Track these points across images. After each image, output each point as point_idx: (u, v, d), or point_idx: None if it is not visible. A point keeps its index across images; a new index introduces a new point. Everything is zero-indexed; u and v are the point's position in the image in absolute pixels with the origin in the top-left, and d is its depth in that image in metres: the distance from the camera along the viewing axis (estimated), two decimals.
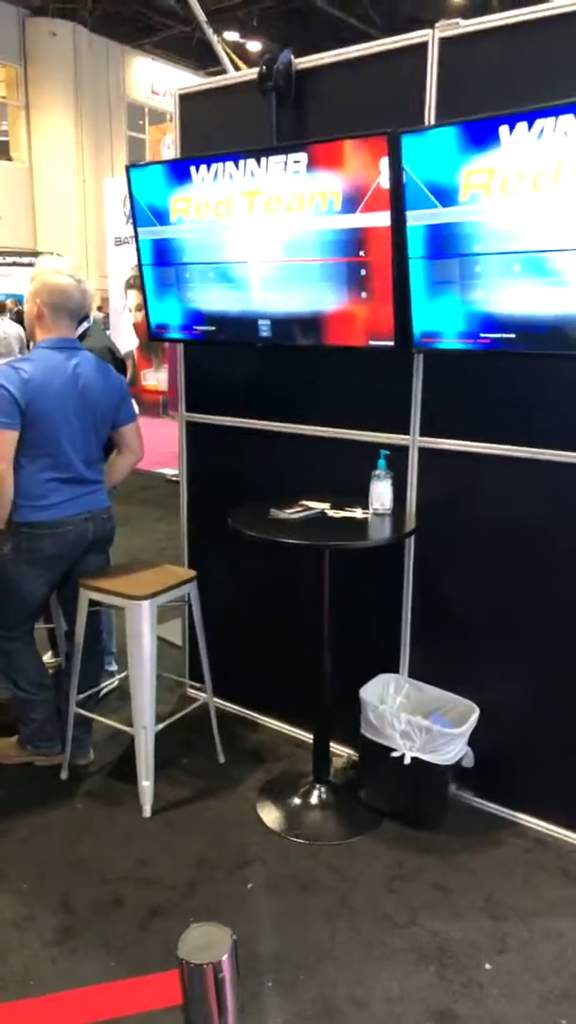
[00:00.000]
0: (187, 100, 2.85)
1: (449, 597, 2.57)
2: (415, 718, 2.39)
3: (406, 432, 2.53)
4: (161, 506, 6.20)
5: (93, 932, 2.07)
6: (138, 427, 2.75)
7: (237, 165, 2.46)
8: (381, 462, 2.48)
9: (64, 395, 2.46)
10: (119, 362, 3.11)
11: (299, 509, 2.51)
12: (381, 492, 2.48)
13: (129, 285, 8.04)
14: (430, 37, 2.25)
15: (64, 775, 2.71)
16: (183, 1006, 0.97)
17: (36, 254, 12.88)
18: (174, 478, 7.05)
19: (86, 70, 17.10)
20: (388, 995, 1.89)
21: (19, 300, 11.29)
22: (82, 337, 2.81)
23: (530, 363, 2.23)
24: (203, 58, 16.25)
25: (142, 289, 2.87)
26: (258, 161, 2.41)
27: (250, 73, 2.62)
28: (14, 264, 14.01)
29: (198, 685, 3.05)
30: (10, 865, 2.31)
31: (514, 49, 2.14)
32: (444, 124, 2.09)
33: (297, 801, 2.59)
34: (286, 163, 2.36)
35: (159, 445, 6.18)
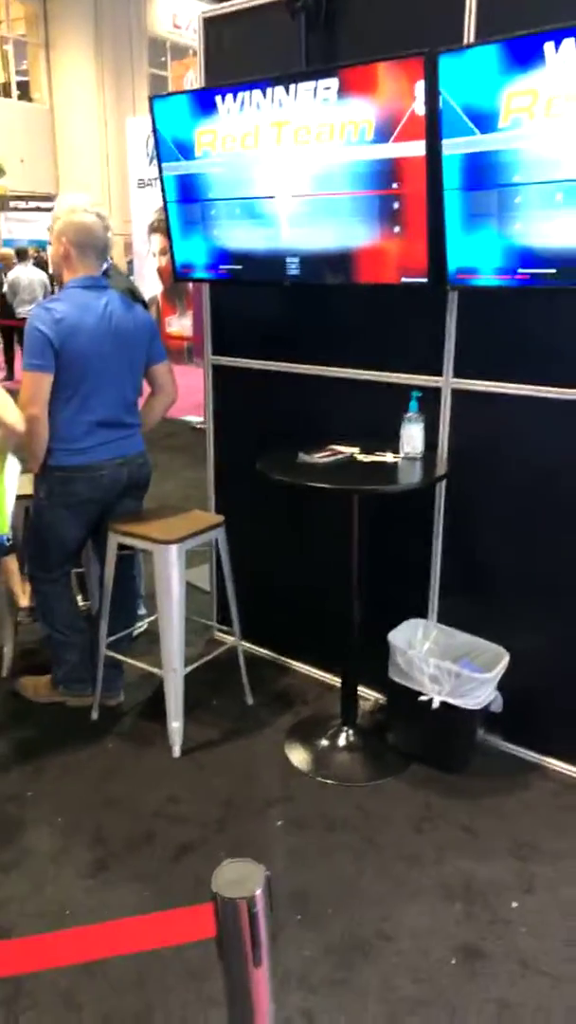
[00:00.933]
0: (212, 24, 2.73)
1: (479, 543, 2.53)
2: (444, 663, 2.38)
3: (439, 374, 2.47)
4: (187, 453, 6.18)
5: (126, 865, 2.12)
6: (171, 367, 2.72)
7: (264, 93, 2.36)
8: (413, 404, 2.42)
9: (98, 334, 2.42)
10: (141, 303, 3.06)
11: (328, 453, 2.47)
12: (412, 435, 2.43)
13: (153, 229, 7.89)
14: None
15: (95, 715, 2.76)
16: (216, 939, 0.98)
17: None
18: (199, 426, 7.02)
19: (106, 4, 16.56)
20: (416, 930, 1.92)
21: (41, 247, 11.15)
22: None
23: (570, 300, 2.15)
24: None
25: (167, 229, 2.80)
26: (286, 88, 2.31)
27: None
28: (36, 209, 13.81)
29: (226, 629, 3.07)
30: (44, 801, 2.36)
31: None
32: (484, 42, 1.98)
33: (325, 743, 2.61)
34: (316, 90, 2.26)
35: (185, 392, 6.11)
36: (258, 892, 0.96)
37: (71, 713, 2.77)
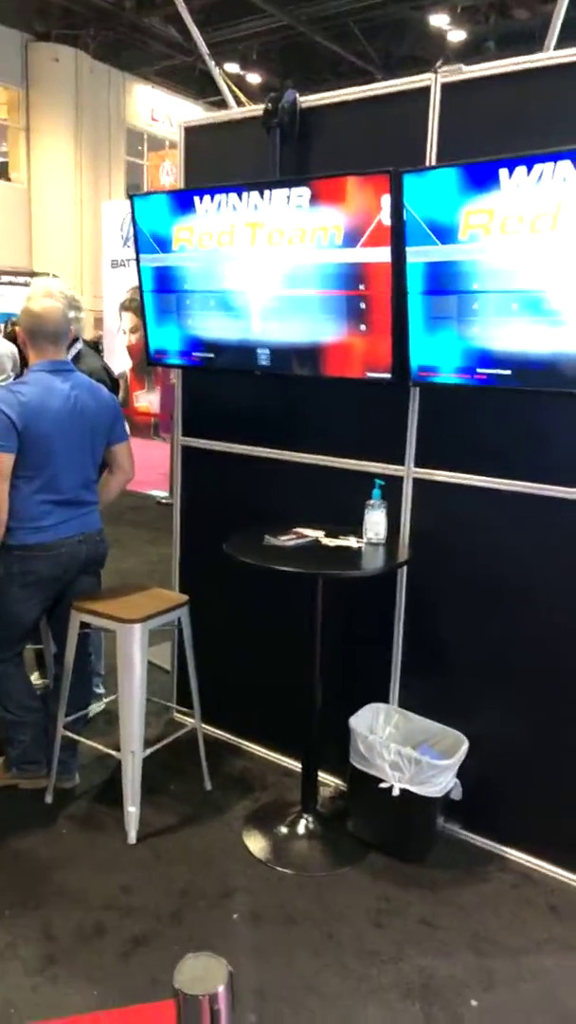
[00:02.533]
0: (192, 132, 2.90)
1: (440, 628, 2.58)
2: (405, 749, 2.39)
3: (401, 463, 2.56)
4: (152, 528, 6.20)
5: (76, 961, 2.04)
6: (130, 447, 2.77)
7: (240, 197, 2.50)
8: (376, 492, 2.50)
9: (60, 417, 2.47)
10: (114, 382, 3.14)
11: (293, 536, 2.52)
12: (375, 522, 2.50)
13: (124, 307, 8.09)
14: (432, 81, 2.31)
15: (49, 799, 2.68)
16: None
17: (32, 274, 12.95)
18: (165, 500, 7.06)
19: (87, 95, 17.33)
20: None
21: (13, 319, 11.32)
22: (76, 360, 2.83)
23: (525, 399, 2.27)
24: (203, 87, 16.53)
25: (142, 315, 2.90)
26: (261, 194, 2.46)
27: (254, 109, 2.67)
28: (10, 284, 14.06)
29: (186, 710, 3.04)
30: None
31: (514, 95, 2.20)
32: (445, 165, 2.15)
33: (284, 830, 2.57)
34: (289, 197, 2.41)
35: (150, 467, 6.19)
36: (221, 989, 0.95)
37: (25, 796, 2.70)
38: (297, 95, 2.56)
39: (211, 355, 2.74)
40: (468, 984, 2.01)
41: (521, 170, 2.00)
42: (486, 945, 2.14)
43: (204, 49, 4.56)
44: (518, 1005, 1.95)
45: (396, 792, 2.36)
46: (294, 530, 2.57)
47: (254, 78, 15.11)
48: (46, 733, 2.70)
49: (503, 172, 2.03)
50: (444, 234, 2.16)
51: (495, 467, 2.38)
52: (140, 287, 2.85)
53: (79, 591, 2.63)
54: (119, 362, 8.16)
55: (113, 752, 2.59)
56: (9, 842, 2.48)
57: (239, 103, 4.13)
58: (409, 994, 1.98)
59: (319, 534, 2.55)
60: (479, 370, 2.21)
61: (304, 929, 2.18)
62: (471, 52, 11.80)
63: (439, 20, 12.69)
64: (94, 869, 2.39)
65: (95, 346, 5.70)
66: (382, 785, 2.39)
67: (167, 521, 3.25)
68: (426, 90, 2.32)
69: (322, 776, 2.71)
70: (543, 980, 2.03)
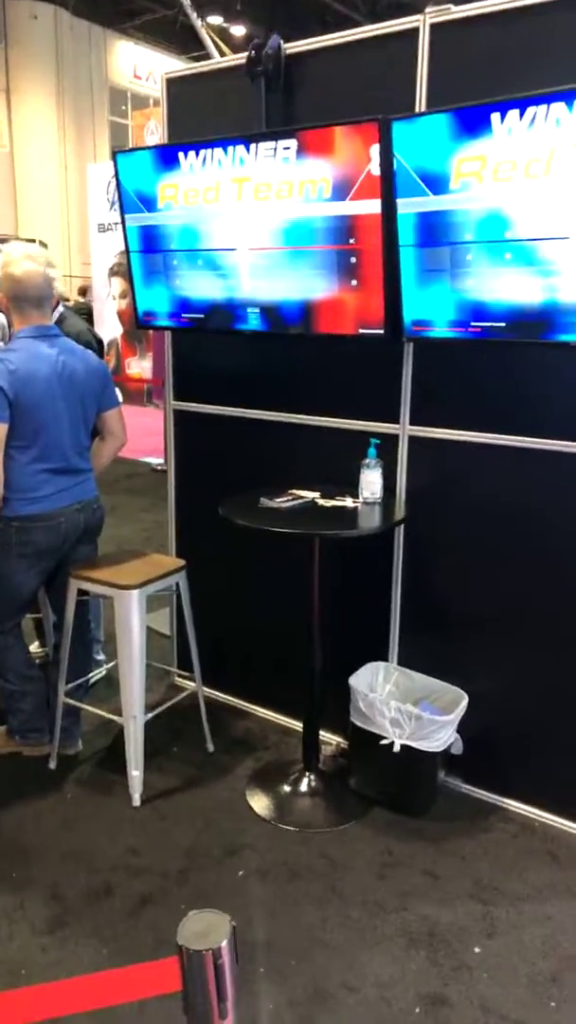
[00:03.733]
0: (174, 84, 2.82)
1: (438, 585, 2.58)
2: (405, 706, 2.40)
3: (396, 421, 2.53)
4: (146, 495, 6.18)
5: (84, 921, 2.07)
6: (121, 412, 2.74)
7: (226, 151, 2.44)
8: (371, 451, 2.48)
9: (50, 384, 2.43)
10: (99, 343, 3.09)
11: (289, 498, 2.51)
12: (371, 481, 2.48)
13: (112, 272, 7.97)
14: (421, 22, 2.23)
15: (53, 765, 2.71)
16: (182, 992, 0.98)
17: (18, 239, 12.71)
18: (159, 467, 7.03)
19: (68, 53, 16.87)
20: (379, 980, 1.90)
21: None
22: (58, 323, 2.78)
23: (519, 352, 2.24)
24: (186, 42, 16.08)
25: (129, 277, 2.85)
26: (247, 147, 2.39)
27: (238, 58, 2.59)
28: None
29: (187, 674, 3.05)
30: (0, 856, 2.30)
31: (505, 35, 2.13)
32: (435, 111, 2.08)
33: (287, 789, 2.60)
34: (275, 149, 2.34)
35: (144, 434, 6.16)
36: (224, 944, 0.96)
37: (28, 763, 2.72)
38: (281, 41, 2.47)
39: (200, 316, 2.69)
40: (471, 931, 2.05)
41: (513, 113, 1.95)
42: (488, 893, 2.17)
43: (186, 0, 4.43)
44: (520, 951, 1.99)
45: (397, 748, 2.38)
46: (290, 491, 2.56)
47: (238, 30, 14.71)
48: (47, 701, 2.71)
49: (495, 116, 1.97)
50: (435, 183, 2.11)
51: (491, 422, 2.36)
52: (126, 248, 2.79)
53: (77, 559, 2.62)
54: (110, 328, 8.06)
55: (115, 717, 2.60)
56: (15, 807, 2.51)
57: (222, 54, 4.02)
58: (413, 943, 2.01)
59: (315, 495, 2.53)
60: (473, 323, 2.17)
61: (308, 883, 2.21)
62: None
63: None
64: (100, 831, 2.41)
65: (84, 313, 5.62)
66: (383, 742, 2.41)
67: (162, 488, 3.23)
68: (414, 32, 2.25)
69: (323, 735, 2.73)
70: (545, 926, 2.07)
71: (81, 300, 9.69)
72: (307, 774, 2.62)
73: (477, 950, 1.99)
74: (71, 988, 1.12)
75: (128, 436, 2.78)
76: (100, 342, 3.17)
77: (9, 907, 2.11)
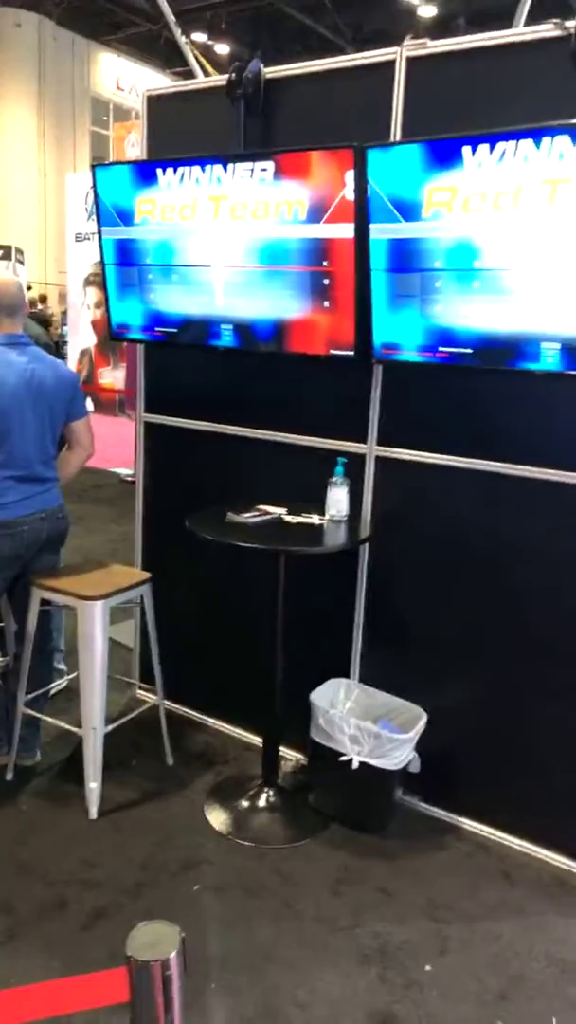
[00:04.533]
0: (156, 102, 2.85)
1: (401, 604, 2.61)
2: (364, 723, 2.43)
3: (363, 441, 2.57)
4: (115, 505, 6.15)
5: (36, 934, 2.05)
6: (89, 423, 2.74)
7: (204, 169, 2.47)
8: (338, 469, 2.51)
9: (18, 391, 2.43)
10: (55, 346, 3.08)
11: (256, 513, 2.53)
12: (338, 499, 2.51)
13: (88, 282, 7.96)
14: (398, 55, 2.30)
15: (10, 776, 2.68)
16: (130, 1003, 0.98)
17: None
18: (128, 478, 7.00)
19: (50, 63, 16.92)
20: (330, 997, 1.91)
21: None
22: None
23: (486, 378, 2.29)
24: (170, 57, 16.22)
25: (104, 288, 2.86)
26: (225, 167, 2.43)
27: (219, 79, 2.63)
28: None
29: (148, 687, 3.04)
30: None
31: (478, 71, 2.20)
32: (409, 141, 2.14)
33: (245, 804, 2.60)
34: (253, 170, 2.38)
35: (115, 444, 6.13)
36: (172, 955, 0.96)
37: None
38: (262, 65, 2.52)
39: (174, 330, 2.72)
40: (423, 949, 2.06)
41: (484, 148, 2.01)
42: (441, 911, 2.19)
43: (170, 17, 4.47)
44: (471, 969, 2.01)
45: (355, 765, 2.40)
46: (257, 507, 2.58)
47: (222, 48, 14.87)
48: (6, 711, 2.69)
49: (466, 149, 2.03)
50: (407, 211, 2.16)
51: (456, 445, 2.41)
52: (102, 260, 2.80)
53: (39, 568, 2.61)
54: (84, 338, 8.05)
55: (75, 729, 2.58)
56: None
57: (206, 73, 4.07)
58: (366, 959, 2.02)
59: (282, 511, 2.56)
60: (441, 348, 2.22)
61: (264, 899, 2.21)
62: (442, 29, 11.76)
63: None
64: (55, 844, 2.39)
65: (39, 321, 5.59)
66: (342, 759, 2.42)
67: (130, 499, 3.23)
68: (391, 64, 2.31)
69: (283, 750, 2.74)
70: (495, 944, 2.09)
71: (39, 308, 9.64)
72: (266, 789, 2.62)
73: (428, 967, 2.01)
74: (18, 996, 1.11)
75: (98, 446, 2.78)
76: (57, 345, 3.16)
77: None
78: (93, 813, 2.51)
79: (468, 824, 2.55)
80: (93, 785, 2.52)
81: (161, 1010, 0.97)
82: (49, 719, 2.72)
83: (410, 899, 2.23)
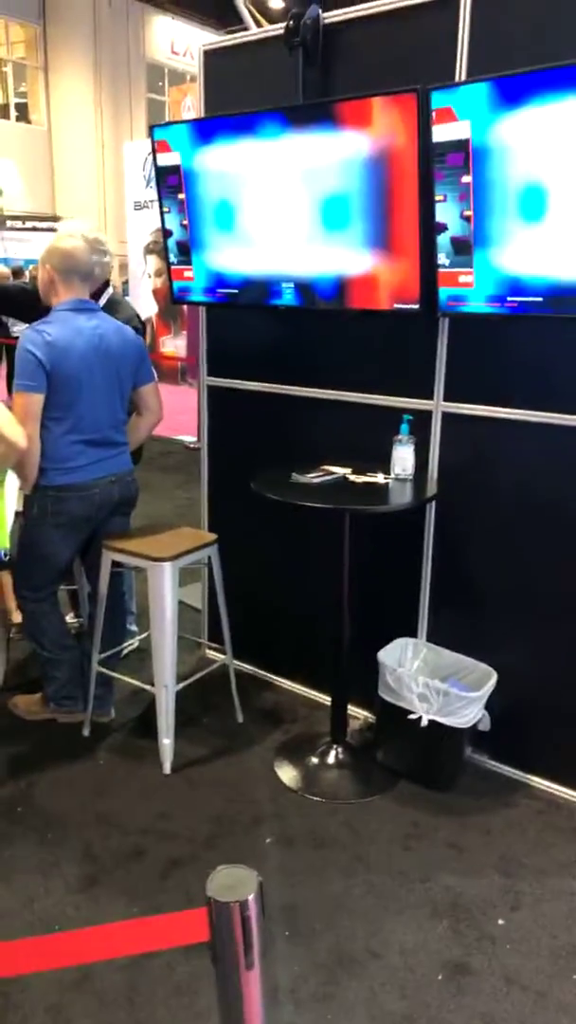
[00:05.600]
0: (212, 56, 2.81)
1: (468, 563, 2.57)
2: (433, 681, 2.42)
3: (429, 397, 2.52)
4: (180, 472, 6.23)
5: (115, 881, 2.13)
6: (157, 388, 2.77)
7: (263, 124, 2.43)
8: (404, 427, 2.48)
9: (87, 356, 2.47)
10: (144, 327, 3.12)
11: (321, 473, 2.52)
12: (403, 457, 2.48)
13: (148, 250, 7.99)
14: None
15: (86, 732, 2.77)
16: (210, 942, 1.01)
17: (55, 219, 12.79)
18: (193, 445, 7.07)
19: (105, 30, 16.84)
20: (403, 946, 1.93)
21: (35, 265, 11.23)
22: (109, 307, 2.81)
23: (556, 328, 2.21)
24: (224, 16, 15.90)
25: (164, 252, 2.86)
26: (284, 120, 2.38)
27: (276, 28, 2.57)
28: (33, 229, 13.92)
29: (217, 647, 3.09)
30: (35, 816, 2.37)
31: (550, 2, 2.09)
32: (475, 80, 2.05)
33: (314, 761, 2.63)
34: (313, 121, 2.33)
35: (178, 412, 6.18)
36: (251, 897, 0.99)
37: (63, 729, 2.79)
38: (320, 11, 2.45)
39: (235, 291, 2.70)
40: (495, 904, 2.07)
41: (557, 82, 1.91)
42: (512, 867, 2.19)
43: None
44: (544, 924, 2.01)
45: (424, 723, 2.40)
46: (321, 467, 2.57)
47: (276, 2, 14.52)
48: (82, 670, 2.78)
49: (537, 85, 1.94)
50: (476, 155, 2.08)
51: (525, 399, 2.34)
52: (162, 224, 2.80)
53: (110, 531, 2.66)
54: (145, 306, 8.10)
55: (147, 687, 2.65)
56: (50, 771, 2.58)
57: (259, 27, 3.98)
58: (437, 912, 2.04)
59: (346, 471, 2.54)
60: (510, 298, 2.15)
61: (334, 852, 2.24)
62: None
63: None
64: (132, 797, 2.47)
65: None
66: (411, 716, 2.43)
67: (195, 465, 3.27)
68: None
69: (351, 709, 2.76)
70: (568, 901, 2.08)
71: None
72: (335, 746, 2.65)
73: (500, 922, 2.01)
74: (102, 935, 1.15)
75: (163, 413, 2.81)
76: (144, 326, 3.20)
77: (45, 865, 2.18)
78: (167, 768, 2.59)
79: (538, 782, 2.53)
80: (166, 741, 2.59)
81: (242, 949, 0.99)
82: (122, 677, 2.80)
83: (481, 855, 2.24)
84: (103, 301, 2.84)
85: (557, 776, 2.50)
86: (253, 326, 2.91)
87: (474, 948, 1.93)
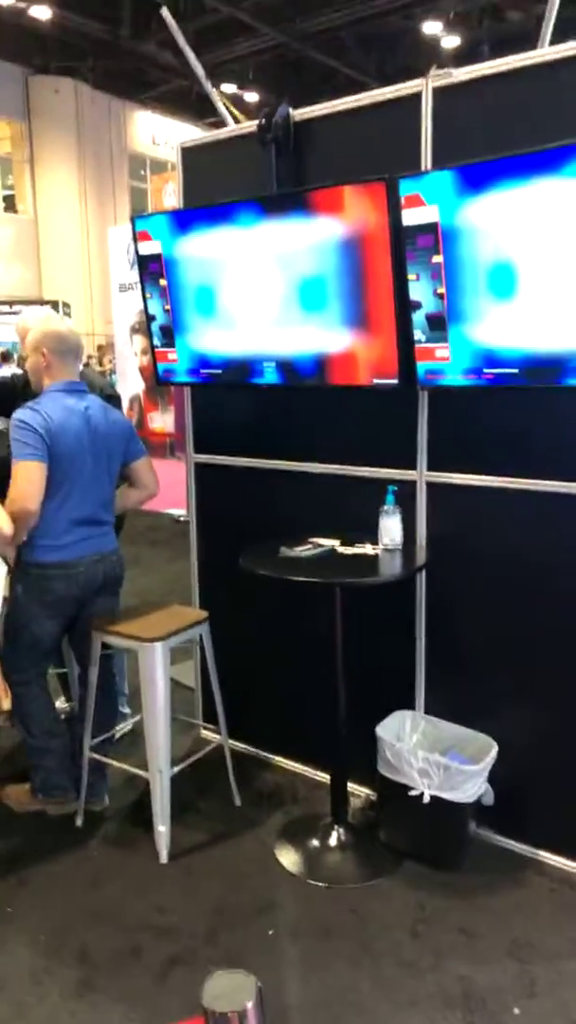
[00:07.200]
0: (189, 152, 2.93)
1: (462, 631, 2.56)
2: (432, 755, 2.37)
3: (413, 467, 2.55)
4: (170, 546, 6.22)
5: (112, 984, 2.04)
6: (150, 462, 2.79)
7: (239, 212, 2.52)
8: (389, 497, 2.49)
9: (80, 436, 2.50)
10: (116, 400, 3.17)
11: (309, 547, 2.52)
12: (390, 527, 2.49)
13: (134, 330, 8.13)
14: (424, 87, 2.32)
15: (79, 822, 2.69)
16: None
17: (42, 302, 13.09)
18: (182, 519, 7.07)
19: (88, 124, 17.60)
20: None
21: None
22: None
23: (533, 397, 2.26)
24: (202, 110, 16.72)
25: (148, 335, 2.93)
26: (259, 209, 2.48)
27: (249, 125, 2.70)
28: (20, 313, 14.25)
29: (212, 727, 3.03)
30: (27, 916, 2.28)
31: (505, 96, 2.20)
32: (440, 168, 2.15)
33: (316, 843, 2.55)
34: (287, 210, 2.42)
35: (167, 486, 6.17)
36: (249, 1005, 0.94)
37: (55, 820, 2.70)
38: (290, 109, 2.58)
39: (218, 371, 2.75)
40: (510, 991, 1.98)
41: (518, 168, 2.00)
42: (526, 951, 2.11)
43: (200, 71, 4.61)
44: (562, 1011, 1.92)
45: (426, 799, 2.34)
46: (309, 540, 2.57)
47: (252, 96, 15.27)
48: (73, 758, 2.70)
49: (498, 172, 2.03)
50: (444, 237, 2.16)
51: (507, 466, 2.37)
52: (144, 309, 2.87)
53: (97, 612, 2.64)
54: (132, 384, 8.22)
55: (141, 772, 2.58)
56: (41, 866, 2.49)
57: (236, 121, 4.18)
58: (449, 1004, 1.95)
59: (335, 543, 2.54)
60: (486, 370, 2.20)
61: (340, 942, 2.15)
62: (467, 58, 11.88)
63: (432, 28, 12.78)
64: (127, 890, 2.38)
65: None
66: (412, 793, 2.37)
67: (185, 539, 3.26)
68: (418, 96, 2.33)
69: (352, 787, 2.69)
70: None
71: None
72: (336, 827, 2.57)
73: (516, 1011, 1.92)
74: None
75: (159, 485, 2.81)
76: (118, 398, 3.25)
77: (38, 970, 2.08)
78: (163, 857, 2.50)
79: (549, 858, 2.45)
80: (162, 829, 2.51)
81: None
82: (115, 763, 2.73)
83: (493, 939, 2.15)
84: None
85: (568, 852, 2.42)
86: (237, 404, 2.95)
87: None
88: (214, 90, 4.82)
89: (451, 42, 13.02)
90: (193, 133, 17.24)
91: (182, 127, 18.98)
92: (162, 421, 8.52)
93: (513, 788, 2.45)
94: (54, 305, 11.91)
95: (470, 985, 2.00)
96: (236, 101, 13.48)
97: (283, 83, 14.83)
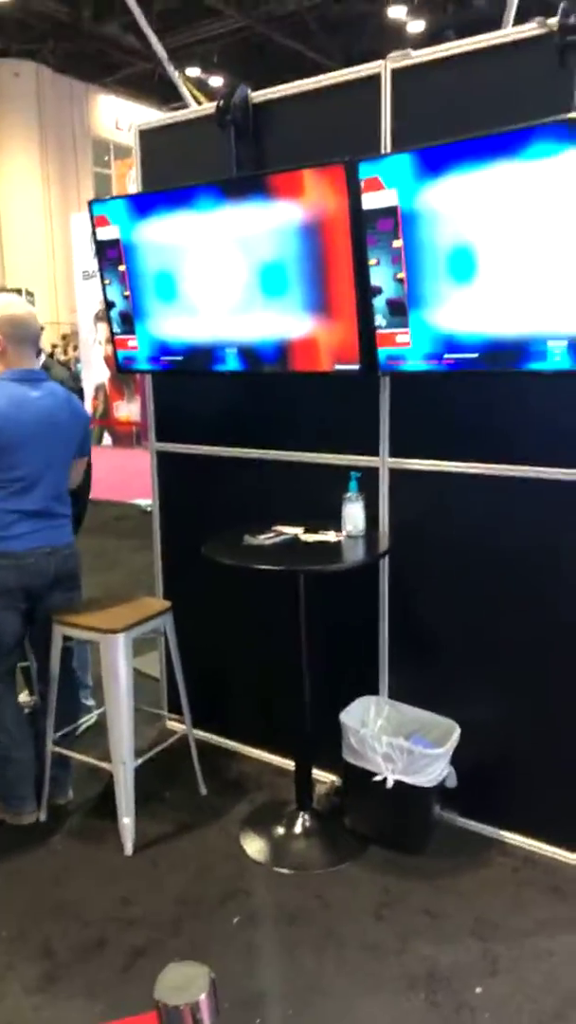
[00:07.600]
0: (147, 135, 2.88)
1: (425, 616, 2.57)
2: (396, 740, 2.38)
3: (375, 454, 2.55)
4: (137, 537, 6.14)
5: (76, 977, 2.02)
6: (88, 461, 2.79)
7: (198, 196, 2.48)
8: (352, 484, 2.49)
9: (31, 427, 2.44)
10: (79, 392, 3.13)
11: (272, 535, 2.51)
12: (353, 514, 2.48)
13: (99, 318, 8.04)
14: (382, 68, 2.30)
15: (43, 816, 2.65)
16: None
17: (5, 290, 12.85)
18: (149, 508, 7.02)
19: (50, 109, 17.27)
20: None
21: None
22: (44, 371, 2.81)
23: (493, 382, 2.26)
24: (166, 94, 16.47)
25: (108, 323, 2.88)
26: (219, 193, 2.44)
27: (208, 108, 2.66)
28: None
29: (177, 717, 3.01)
30: None
31: (464, 78, 2.19)
32: (399, 152, 2.14)
33: (281, 831, 2.55)
34: (247, 193, 2.39)
35: (133, 475, 6.14)
36: (202, 997, 0.93)
37: None
38: (249, 91, 2.54)
39: (179, 358, 2.72)
40: (472, 971, 2.00)
41: (476, 151, 1.99)
42: (489, 930, 2.13)
43: (162, 54, 4.54)
44: (523, 989, 1.94)
45: (390, 784, 2.35)
46: (273, 528, 2.56)
47: (216, 81, 15.09)
48: (37, 755, 2.64)
49: (457, 154, 2.02)
50: (404, 221, 2.15)
51: (469, 451, 2.37)
52: (104, 295, 2.82)
53: (55, 606, 2.58)
54: (97, 373, 8.12)
55: (104, 764, 2.56)
56: (5, 862, 2.46)
57: (200, 104, 4.12)
58: (414, 985, 1.96)
59: (298, 530, 2.53)
60: (446, 355, 2.20)
61: (305, 928, 2.16)
62: (432, 43, 11.84)
63: (397, 12, 12.72)
64: (92, 883, 2.36)
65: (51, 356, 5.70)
66: (376, 778, 2.38)
67: (151, 529, 3.23)
68: (376, 77, 2.31)
69: (317, 773, 2.70)
70: (547, 962, 2.02)
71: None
72: (301, 814, 2.57)
73: (478, 990, 1.94)
74: None
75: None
76: (81, 391, 3.21)
77: (0, 966, 2.05)
78: (128, 849, 2.48)
79: (512, 838, 2.48)
80: (126, 820, 2.49)
81: None
82: (79, 756, 2.69)
83: (456, 920, 2.17)
84: (39, 366, 2.82)
85: (531, 831, 2.46)
86: (199, 391, 2.92)
87: (452, 1020, 1.86)
88: (177, 73, 4.76)
89: (416, 27, 12.98)
90: (158, 117, 17.04)
91: (146, 111, 18.69)
92: (128, 410, 8.44)
93: (476, 770, 2.47)
94: (17, 292, 11.73)
95: (434, 965, 2.02)
96: (200, 85, 13.31)
97: (248, 67, 14.66)
